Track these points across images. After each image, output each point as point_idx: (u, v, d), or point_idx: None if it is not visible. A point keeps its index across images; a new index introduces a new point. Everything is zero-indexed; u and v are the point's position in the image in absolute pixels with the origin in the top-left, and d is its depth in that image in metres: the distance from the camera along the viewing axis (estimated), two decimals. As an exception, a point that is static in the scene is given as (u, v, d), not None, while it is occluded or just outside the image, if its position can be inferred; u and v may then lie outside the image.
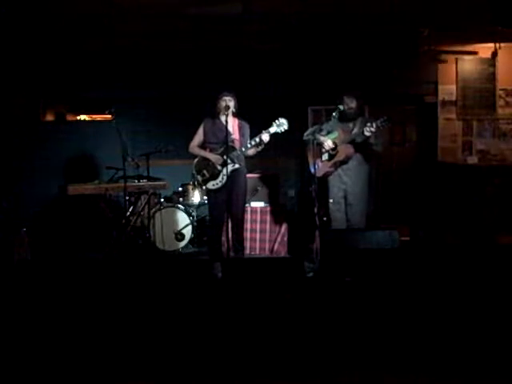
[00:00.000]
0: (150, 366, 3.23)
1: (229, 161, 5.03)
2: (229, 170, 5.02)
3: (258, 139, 5.08)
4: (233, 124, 5.20)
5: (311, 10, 5.79)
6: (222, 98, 5.14)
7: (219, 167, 5.14)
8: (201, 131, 5.31)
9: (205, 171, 5.21)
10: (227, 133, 4.99)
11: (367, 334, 3.66)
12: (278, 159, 7.24)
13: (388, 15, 5.99)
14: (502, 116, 7.58)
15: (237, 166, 5.15)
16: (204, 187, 5.27)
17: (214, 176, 5.18)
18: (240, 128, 5.24)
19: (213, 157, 5.18)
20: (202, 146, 5.33)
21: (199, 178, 5.25)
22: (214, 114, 5.23)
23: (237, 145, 5.15)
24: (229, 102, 5.10)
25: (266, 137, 5.06)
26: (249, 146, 5.12)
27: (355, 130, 5.20)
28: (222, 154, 5.12)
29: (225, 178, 5.05)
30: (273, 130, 5.08)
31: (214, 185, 5.18)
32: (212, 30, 6.45)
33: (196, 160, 5.30)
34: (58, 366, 3.23)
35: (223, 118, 5.10)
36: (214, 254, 5.26)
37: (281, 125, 5.07)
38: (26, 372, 3.18)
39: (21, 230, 5.71)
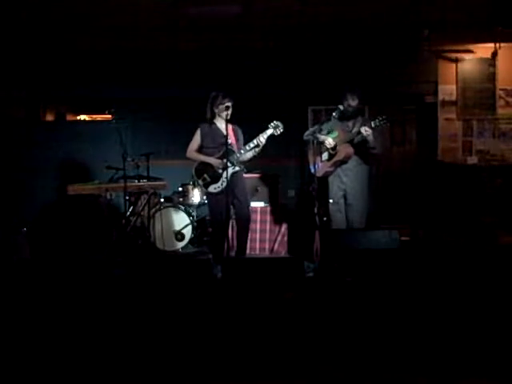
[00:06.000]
0: (149, 367, 3.23)
1: (229, 164, 5.04)
2: (229, 173, 5.02)
3: (256, 141, 5.09)
4: (227, 128, 5.21)
5: (311, 10, 5.79)
6: (223, 102, 5.11)
7: (220, 171, 5.15)
8: (198, 136, 5.28)
9: (206, 175, 5.21)
10: (227, 136, 4.99)
11: (367, 334, 3.66)
12: (278, 159, 7.24)
13: (388, 15, 5.99)
14: (501, 116, 7.56)
15: (237, 168, 5.17)
16: (205, 190, 5.28)
17: (215, 179, 5.17)
18: (234, 132, 5.26)
19: (214, 161, 5.17)
20: (199, 150, 5.31)
21: (200, 182, 5.26)
22: (209, 118, 5.22)
23: (234, 148, 5.16)
24: (230, 106, 5.09)
25: (262, 139, 5.07)
26: (247, 148, 5.13)
27: (354, 130, 5.20)
28: (221, 158, 5.12)
29: (225, 181, 5.06)
30: (269, 131, 5.09)
31: (215, 188, 5.18)
32: (212, 29, 6.45)
33: (195, 165, 5.29)
34: (57, 366, 3.23)
35: (219, 123, 5.11)
36: (217, 257, 5.24)
37: (277, 127, 5.08)
38: (25, 372, 3.18)
39: (21, 230, 5.71)
